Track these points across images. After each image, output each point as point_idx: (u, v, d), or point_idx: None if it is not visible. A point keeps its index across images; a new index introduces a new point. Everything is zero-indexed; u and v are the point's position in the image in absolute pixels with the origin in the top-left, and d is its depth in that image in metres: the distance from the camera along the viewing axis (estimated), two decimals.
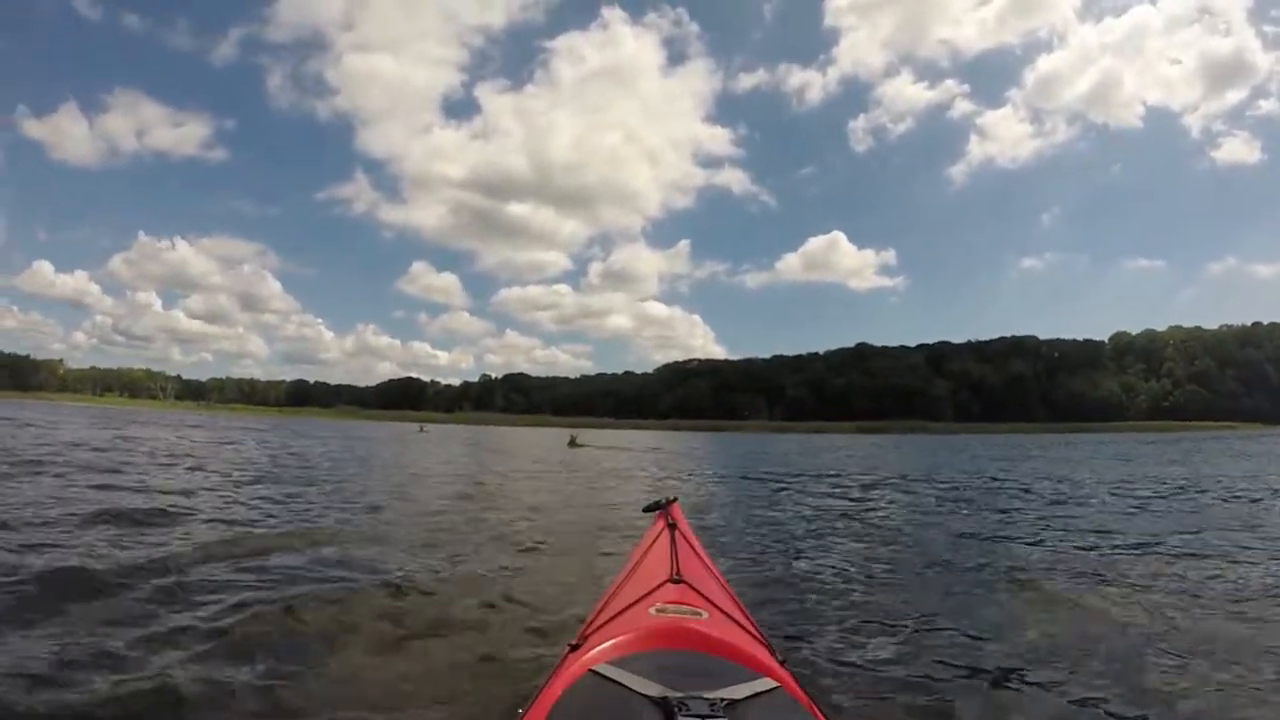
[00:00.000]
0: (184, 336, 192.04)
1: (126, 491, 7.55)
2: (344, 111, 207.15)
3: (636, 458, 22.14)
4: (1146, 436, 56.52)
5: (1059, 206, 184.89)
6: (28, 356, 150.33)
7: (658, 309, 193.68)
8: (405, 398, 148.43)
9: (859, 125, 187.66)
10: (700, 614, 1.68)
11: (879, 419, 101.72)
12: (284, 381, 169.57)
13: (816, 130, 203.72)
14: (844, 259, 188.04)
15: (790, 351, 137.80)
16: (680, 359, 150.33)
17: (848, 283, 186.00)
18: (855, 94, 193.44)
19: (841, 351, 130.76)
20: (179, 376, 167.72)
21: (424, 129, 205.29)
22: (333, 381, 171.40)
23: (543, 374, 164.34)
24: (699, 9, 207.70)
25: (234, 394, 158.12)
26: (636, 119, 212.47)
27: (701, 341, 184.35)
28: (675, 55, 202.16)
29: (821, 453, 26.50)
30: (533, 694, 1.42)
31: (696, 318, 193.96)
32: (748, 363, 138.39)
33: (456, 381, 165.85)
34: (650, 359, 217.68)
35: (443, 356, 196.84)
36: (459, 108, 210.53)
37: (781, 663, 1.57)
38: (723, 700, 1.25)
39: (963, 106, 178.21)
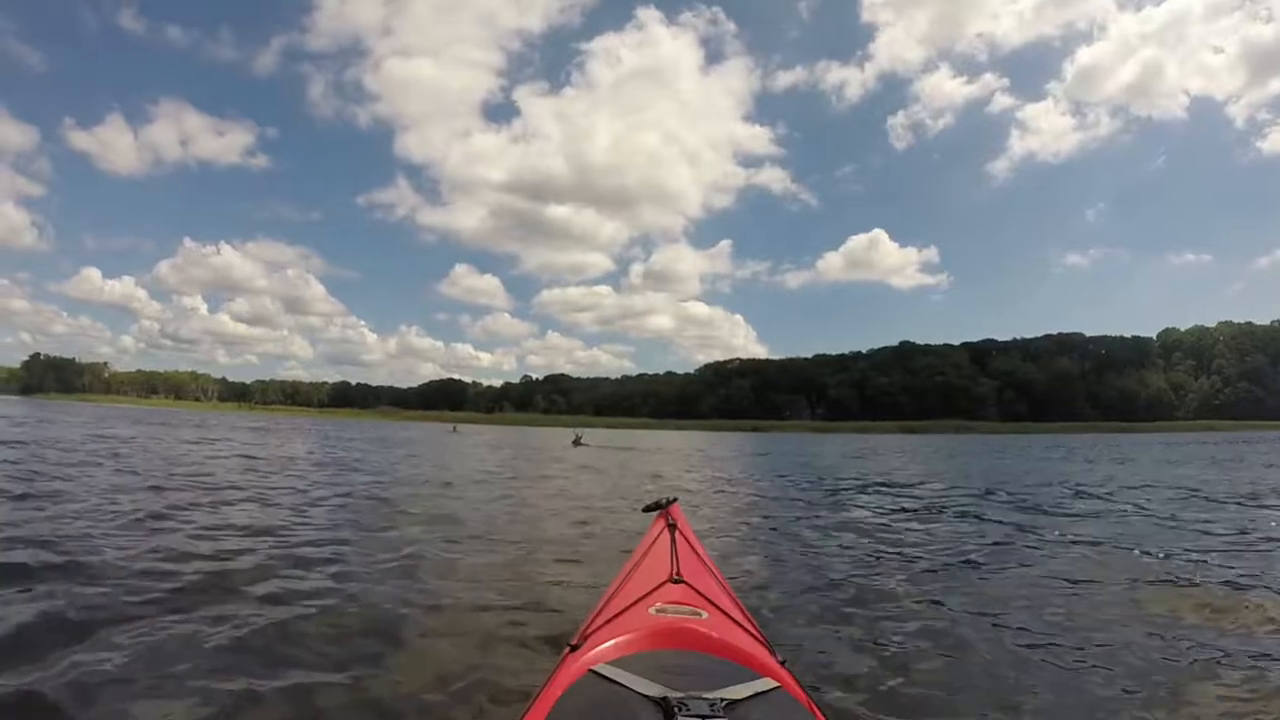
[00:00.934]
0: (229, 339, 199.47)
1: None
2: (384, 117, 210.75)
3: (636, 456, 22.30)
4: (1211, 436, 54.22)
5: (1103, 201, 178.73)
6: (73, 359, 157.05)
7: (699, 309, 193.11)
8: (446, 399, 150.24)
9: (898, 122, 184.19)
10: (700, 614, 1.69)
11: (923, 418, 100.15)
12: (327, 383, 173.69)
13: (856, 128, 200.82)
14: (886, 257, 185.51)
15: (832, 351, 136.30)
16: (722, 359, 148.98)
17: (890, 281, 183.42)
18: (894, 90, 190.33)
19: (884, 350, 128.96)
20: (223, 378, 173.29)
21: (463, 133, 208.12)
22: (375, 383, 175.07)
23: (584, 375, 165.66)
24: (735, 7, 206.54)
25: (277, 395, 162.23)
26: (675, 119, 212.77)
27: (743, 341, 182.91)
28: (712, 54, 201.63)
29: (851, 457, 25.51)
30: (533, 694, 1.44)
31: (738, 317, 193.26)
32: (790, 362, 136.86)
33: (498, 383, 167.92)
34: (692, 359, 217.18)
35: (485, 358, 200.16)
36: (498, 111, 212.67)
37: (782, 663, 1.57)
38: (723, 700, 1.25)
39: (1002, 101, 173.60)
